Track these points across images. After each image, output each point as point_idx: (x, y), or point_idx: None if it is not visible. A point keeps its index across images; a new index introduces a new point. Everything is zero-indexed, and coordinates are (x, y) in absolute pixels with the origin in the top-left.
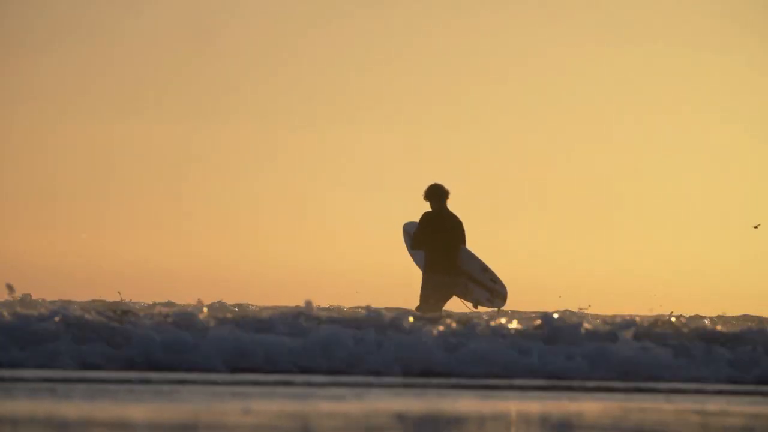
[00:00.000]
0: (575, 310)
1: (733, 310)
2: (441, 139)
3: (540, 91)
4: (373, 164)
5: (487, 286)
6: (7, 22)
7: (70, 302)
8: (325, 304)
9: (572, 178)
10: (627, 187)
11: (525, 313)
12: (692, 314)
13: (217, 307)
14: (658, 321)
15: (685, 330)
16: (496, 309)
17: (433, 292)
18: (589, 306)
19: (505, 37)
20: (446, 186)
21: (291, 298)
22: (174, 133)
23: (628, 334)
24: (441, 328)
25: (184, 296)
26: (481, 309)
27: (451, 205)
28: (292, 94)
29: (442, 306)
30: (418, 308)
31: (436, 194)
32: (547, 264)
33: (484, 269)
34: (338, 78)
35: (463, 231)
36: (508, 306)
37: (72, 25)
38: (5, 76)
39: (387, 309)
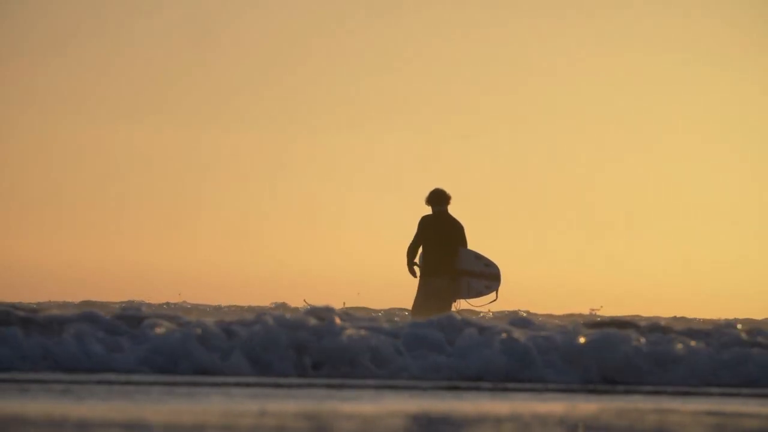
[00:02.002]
0: (586, 312)
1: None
2: (449, 145)
3: (548, 99)
4: (381, 169)
5: (483, 274)
6: (12, 25)
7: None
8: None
9: (578, 183)
10: (631, 192)
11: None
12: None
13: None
14: None
15: None
16: (494, 294)
17: (425, 299)
18: (601, 307)
19: (513, 47)
20: (448, 191)
21: (288, 299)
22: (185, 138)
23: None
24: None
25: (193, 297)
26: (480, 304)
27: (460, 209)
28: (301, 100)
29: (448, 310)
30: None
31: (437, 199)
32: (552, 267)
33: (477, 257)
34: (346, 84)
35: (463, 234)
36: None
37: (78, 29)
38: (20, 79)
39: (387, 310)
